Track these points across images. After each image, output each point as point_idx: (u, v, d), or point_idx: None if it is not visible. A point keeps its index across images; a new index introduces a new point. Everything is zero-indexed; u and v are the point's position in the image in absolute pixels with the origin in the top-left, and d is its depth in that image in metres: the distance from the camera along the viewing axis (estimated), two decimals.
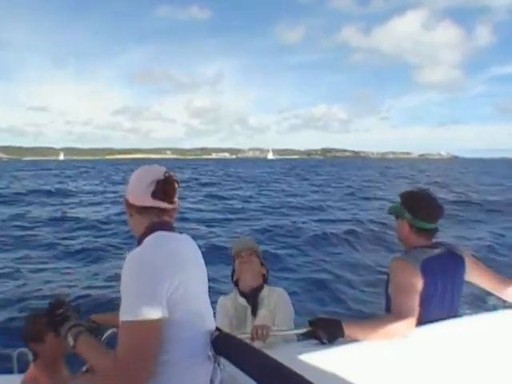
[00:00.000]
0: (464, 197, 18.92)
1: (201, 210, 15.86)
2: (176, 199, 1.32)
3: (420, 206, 1.77)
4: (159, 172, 1.30)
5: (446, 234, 9.70)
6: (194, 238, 1.39)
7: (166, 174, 1.29)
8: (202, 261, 1.39)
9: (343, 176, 46.25)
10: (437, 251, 1.75)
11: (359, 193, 23.20)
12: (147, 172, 1.32)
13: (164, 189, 1.28)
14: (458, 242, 8.56)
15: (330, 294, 6.37)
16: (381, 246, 9.53)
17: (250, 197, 20.80)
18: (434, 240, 1.82)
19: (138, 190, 1.29)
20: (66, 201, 19.48)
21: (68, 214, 14.44)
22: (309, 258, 8.62)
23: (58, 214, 14.46)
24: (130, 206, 1.33)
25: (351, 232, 10.88)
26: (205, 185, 29.83)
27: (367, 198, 20.29)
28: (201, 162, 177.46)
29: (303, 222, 12.64)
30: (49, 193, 22.33)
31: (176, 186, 1.31)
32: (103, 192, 23.62)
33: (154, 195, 1.27)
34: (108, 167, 76.25)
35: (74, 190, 25.07)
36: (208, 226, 12.31)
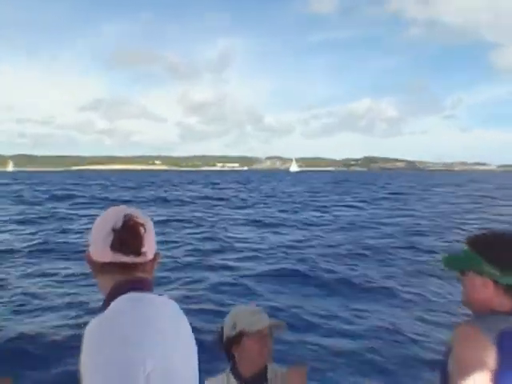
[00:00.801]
0: None
1: (248, 240, 17.09)
2: (145, 249, 1.36)
3: (509, 256, 1.72)
4: (118, 216, 1.35)
5: None
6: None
7: (126, 218, 1.35)
8: (187, 331, 1.43)
9: (422, 196, 46.00)
10: None
11: (454, 217, 24.24)
12: (106, 218, 1.37)
13: (122, 238, 1.32)
14: None
15: None
16: None
17: (312, 223, 22.25)
18: None
19: (97, 242, 1.35)
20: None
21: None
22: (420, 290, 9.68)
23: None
24: (91, 263, 1.39)
25: None
26: (240, 208, 31.05)
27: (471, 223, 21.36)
28: (204, 174, 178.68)
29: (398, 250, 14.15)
30: None
31: (141, 231, 1.35)
32: None
33: (113, 247, 1.32)
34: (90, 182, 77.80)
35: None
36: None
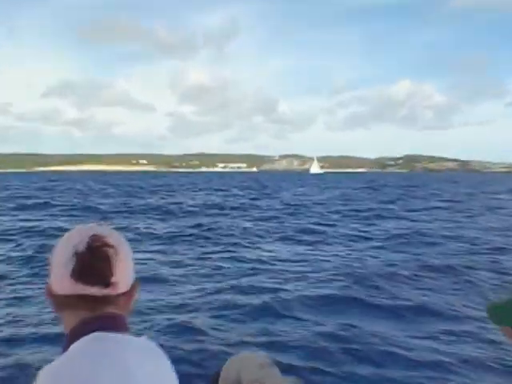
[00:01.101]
0: None
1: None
2: (117, 278, 1.35)
3: None
4: (83, 237, 1.36)
5: None
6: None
7: (92, 239, 1.35)
8: (169, 380, 1.43)
9: None
10: None
11: None
12: (68, 239, 1.38)
13: (85, 264, 1.32)
14: None
15: None
16: None
17: (358, 239, 22.88)
18: None
19: (56, 269, 1.36)
20: None
21: None
22: None
23: None
24: (50, 296, 1.39)
25: None
26: (263, 220, 31.12)
27: None
28: (203, 177, 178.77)
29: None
30: None
31: (111, 254, 1.35)
32: None
33: (74, 276, 1.31)
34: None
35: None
36: None
